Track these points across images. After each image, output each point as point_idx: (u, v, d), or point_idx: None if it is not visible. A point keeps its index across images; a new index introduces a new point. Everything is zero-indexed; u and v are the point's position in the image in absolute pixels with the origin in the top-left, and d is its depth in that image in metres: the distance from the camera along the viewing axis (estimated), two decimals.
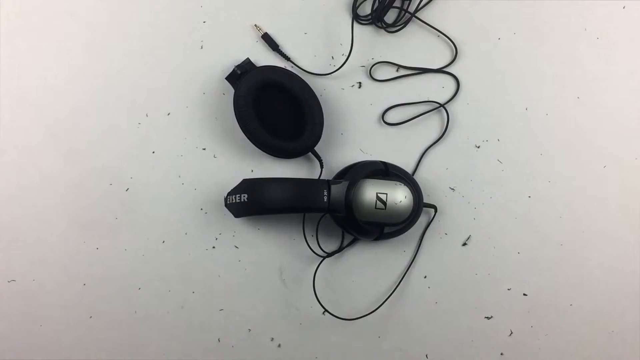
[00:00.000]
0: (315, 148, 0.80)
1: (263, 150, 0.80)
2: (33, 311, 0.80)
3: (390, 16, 0.84)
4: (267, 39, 0.83)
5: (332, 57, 0.84)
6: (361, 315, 0.80)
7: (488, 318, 0.82)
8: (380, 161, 0.80)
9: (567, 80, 0.84)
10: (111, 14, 0.82)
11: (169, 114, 0.82)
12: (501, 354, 0.82)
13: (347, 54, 0.83)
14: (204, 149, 0.82)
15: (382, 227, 0.77)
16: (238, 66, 0.81)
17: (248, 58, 0.82)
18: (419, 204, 0.78)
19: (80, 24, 0.82)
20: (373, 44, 0.84)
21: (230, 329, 0.81)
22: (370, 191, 0.75)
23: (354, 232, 0.80)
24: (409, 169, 0.82)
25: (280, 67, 0.81)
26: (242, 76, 0.80)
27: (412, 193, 0.75)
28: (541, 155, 0.83)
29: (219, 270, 0.81)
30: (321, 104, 0.80)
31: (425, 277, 0.82)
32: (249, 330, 0.81)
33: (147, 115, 0.82)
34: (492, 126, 0.84)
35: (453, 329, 0.82)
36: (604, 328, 0.82)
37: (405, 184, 0.75)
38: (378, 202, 0.75)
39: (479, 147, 0.83)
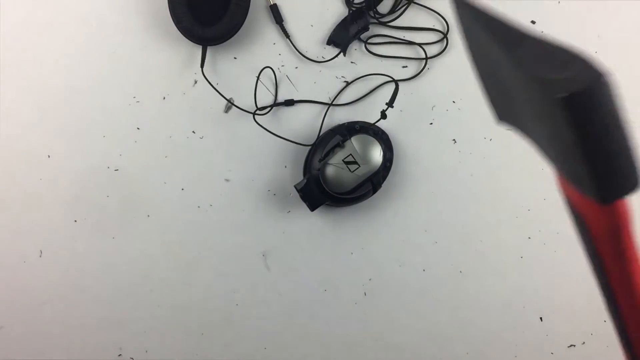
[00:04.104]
0: None
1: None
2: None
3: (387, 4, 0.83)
4: (275, 10, 0.82)
5: (324, 48, 0.83)
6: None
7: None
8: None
9: None
10: None
11: (164, 98, 0.82)
12: None
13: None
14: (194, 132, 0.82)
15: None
16: None
17: None
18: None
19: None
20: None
21: (213, 311, 0.83)
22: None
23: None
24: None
25: None
26: None
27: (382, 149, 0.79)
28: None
29: (202, 249, 0.83)
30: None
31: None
32: (232, 312, 0.83)
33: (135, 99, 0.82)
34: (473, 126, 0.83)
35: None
36: None
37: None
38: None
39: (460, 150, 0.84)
